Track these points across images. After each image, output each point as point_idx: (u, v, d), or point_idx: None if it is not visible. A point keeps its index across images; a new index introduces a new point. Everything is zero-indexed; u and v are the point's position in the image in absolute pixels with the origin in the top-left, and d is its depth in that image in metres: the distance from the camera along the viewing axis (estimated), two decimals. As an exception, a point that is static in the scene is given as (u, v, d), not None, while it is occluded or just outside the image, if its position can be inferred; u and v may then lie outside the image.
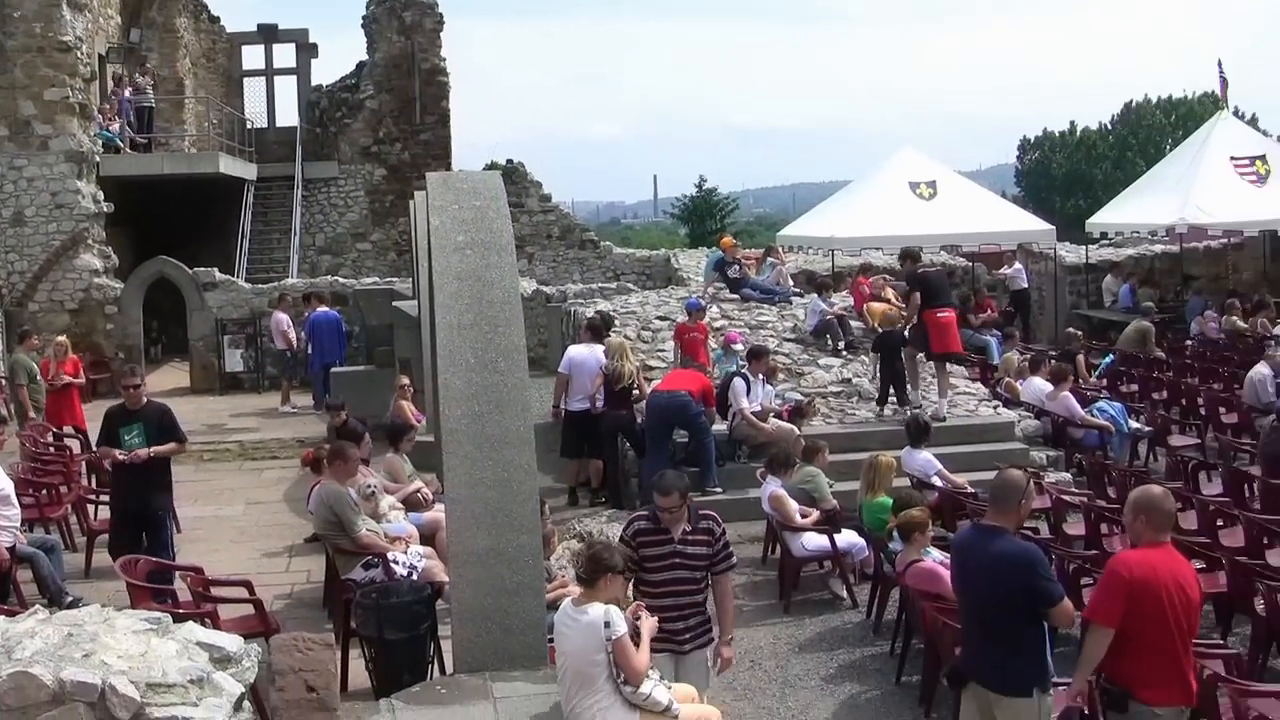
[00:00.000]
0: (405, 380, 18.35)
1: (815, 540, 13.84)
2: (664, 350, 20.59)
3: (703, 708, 8.59)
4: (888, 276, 23.90)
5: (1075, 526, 14.30)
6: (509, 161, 39.13)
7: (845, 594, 13.81)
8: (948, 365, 19.36)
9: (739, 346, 19.29)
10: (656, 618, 8.59)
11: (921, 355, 19.18)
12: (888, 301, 21.26)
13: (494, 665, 9.36)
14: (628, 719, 8.02)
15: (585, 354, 17.90)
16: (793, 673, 11.91)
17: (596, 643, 7.95)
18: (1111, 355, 24.88)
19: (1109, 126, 79.80)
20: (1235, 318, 26.77)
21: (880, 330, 20.05)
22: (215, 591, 11.70)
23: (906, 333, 19.01)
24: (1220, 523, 13.61)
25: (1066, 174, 75.93)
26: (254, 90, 40.59)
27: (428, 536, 13.30)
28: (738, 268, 24.66)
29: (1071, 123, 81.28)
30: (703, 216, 66.60)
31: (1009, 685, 7.84)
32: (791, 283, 26.11)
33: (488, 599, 9.48)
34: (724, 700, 10.50)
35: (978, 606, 8.06)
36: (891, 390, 18.88)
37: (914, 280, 19.17)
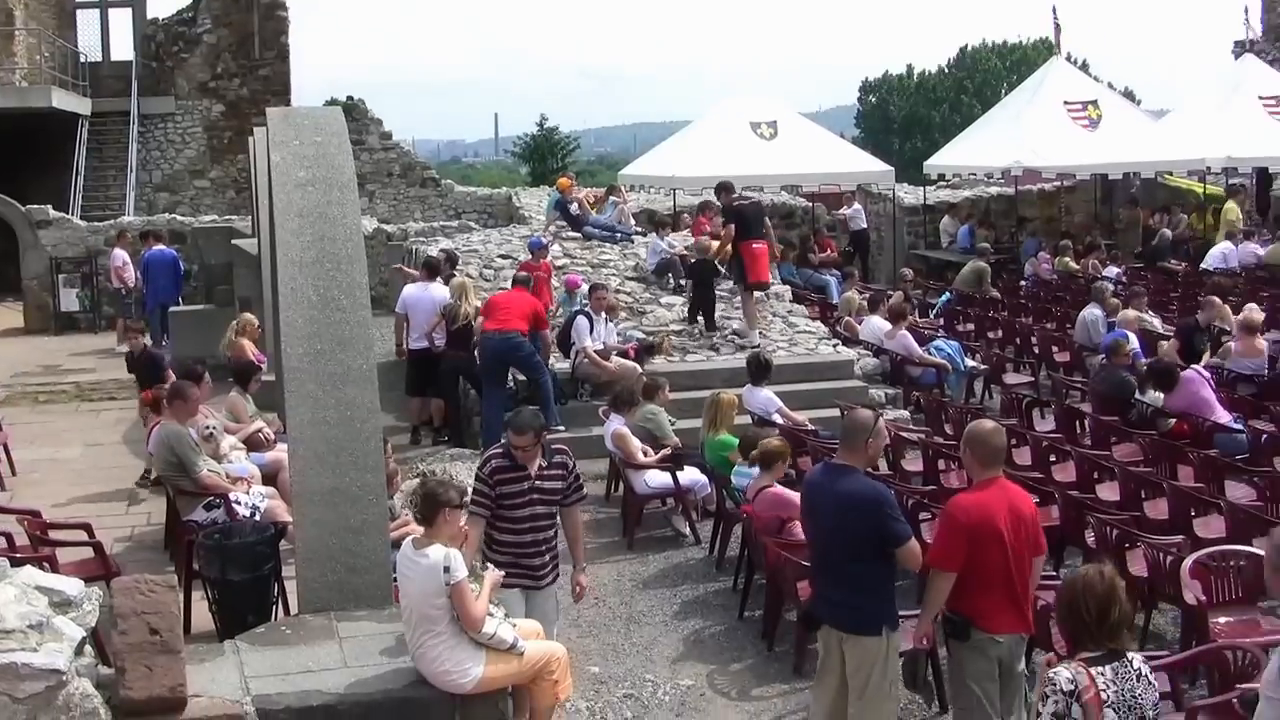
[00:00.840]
0: (256, 320, 17.94)
1: (658, 477, 13.96)
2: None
3: (548, 644, 8.64)
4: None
5: (913, 462, 14.58)
6: (349, 98, 38.68)
7: (688, 531, 13.96)
8: (756, 294, 19.74)
9: (581, 288, 19.32)
10: (503, 572, 8.74)
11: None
12: (727, 240, 21.48)
13: (339, 605, 9.30)
14: (474, 657, 8.04)
15: (419, 293, 17.83)
16: (637, 609, 12.03)
17: (436, 586, 7.94)
18: (949, 295, 25.30)
19: (946, 70, 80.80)
20: (1068, 259, 27.30)
21: (694, 259, 20.27)
22: (53, 535, 11.52)
23: (719, 263, 19.37)
24: (1053, 458, 13.96)
25: (905, 116, 76.85)
26: (88, 22, 39.47)
27: (270, 476, 13.19)
28: (576, 206, 24.74)
29: (909, 66, 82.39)
30: (544, 156, 66.18)
31: (857, 624, 7.94)
32: (634, 222, 26.24)
33: (332, 538, 9.41)
34: (569, 637, 10.56)
35: (827, 545, 8.13)
36: (700, 315, 19.54)
37: (729, 212, 19.56)
